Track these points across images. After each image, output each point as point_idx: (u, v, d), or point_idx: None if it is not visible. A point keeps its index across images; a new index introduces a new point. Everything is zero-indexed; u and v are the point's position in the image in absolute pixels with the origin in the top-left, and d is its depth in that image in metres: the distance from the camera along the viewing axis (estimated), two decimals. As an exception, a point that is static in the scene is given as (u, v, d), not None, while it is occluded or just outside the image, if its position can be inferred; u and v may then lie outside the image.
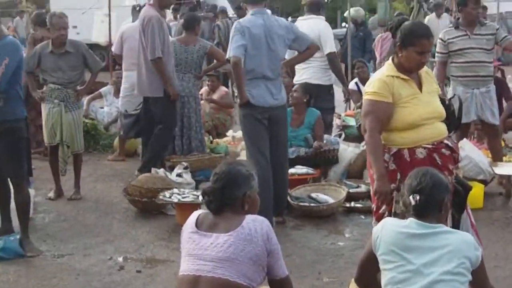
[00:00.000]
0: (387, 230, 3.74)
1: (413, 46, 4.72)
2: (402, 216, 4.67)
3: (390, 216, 4.77)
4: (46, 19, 8.16)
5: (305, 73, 8.64)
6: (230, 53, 6.59)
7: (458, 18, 7.84)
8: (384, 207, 4.81)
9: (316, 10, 8.97)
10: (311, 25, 8.60)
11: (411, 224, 3.73)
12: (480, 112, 7.77)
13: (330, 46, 8.56)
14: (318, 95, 8.48)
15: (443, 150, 4.79)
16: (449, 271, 3.53)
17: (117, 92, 10.77)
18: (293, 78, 8.98)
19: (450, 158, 4.82)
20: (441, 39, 7.82)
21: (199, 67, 8.87)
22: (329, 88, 8.86)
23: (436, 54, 7.95)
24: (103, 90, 11.69)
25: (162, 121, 8.21)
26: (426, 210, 3.73)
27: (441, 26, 15.82)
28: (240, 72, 6.55)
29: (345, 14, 17.07)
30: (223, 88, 11.27)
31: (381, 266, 3.72)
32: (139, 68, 8.20)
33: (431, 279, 3.53)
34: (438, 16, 15.85)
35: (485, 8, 14.00)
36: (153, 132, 8.19)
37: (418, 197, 3.73)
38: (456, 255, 3.57)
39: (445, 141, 4.84)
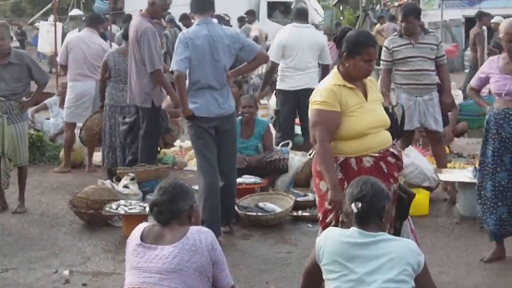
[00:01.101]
0: (330, 240, 3.76)
1: (359, 55, 4.75)
2: (349, 225, 4.72)
3: (337, 225, 4.81)
4: None
5: (302, 79, 8.80)
6: (173, 66, 6.60)
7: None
8: (331, 216, 4.82)
9: (306, 18, 9.41)
10: (314, 35, 9.25)
11: (353, 233, 3.75)
12: (423, 120, 7.88)
13: (329, 58, 9.30)
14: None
15: (389, 158, 4.82)
16: (392, 279, 3.56)
17: (62, 103, 10.76)
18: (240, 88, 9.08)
19: (395, 166, 4.86)
20: (386, 47, 7.92)
21: None
22: None
23: (381, 62, 8.04)
24: (48, 101, 11.58)
25: (146, 132, 8.13)
26: (368, 218, 3.76)
27: None
28: (182, 85, 6.54)
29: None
30: (169, 98, 11.22)
31: (325, 276, 3.73)
32: (130, 78, 8.09)
33: (374, 287, 3.56)
34: None
35: None
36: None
37: (360, 205, 3.75)
38: (399, 262, 3.60)
39: (391, 149, 4.87)
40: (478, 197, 6.17)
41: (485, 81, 6.27)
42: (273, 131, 9.37)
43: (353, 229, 3.77)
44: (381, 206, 3.81)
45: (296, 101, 9.04)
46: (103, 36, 11.59)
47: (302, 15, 9.38)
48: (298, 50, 9.01)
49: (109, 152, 8.84)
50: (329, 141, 4.75)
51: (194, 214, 3.83)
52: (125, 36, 8.94)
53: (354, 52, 4.77)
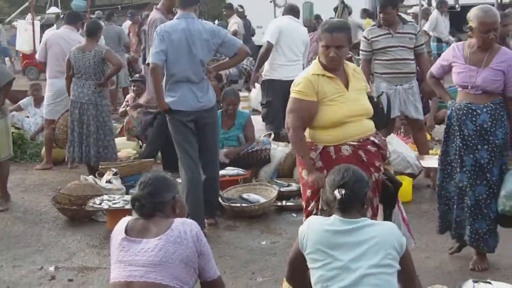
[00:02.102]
0: (313, 229, 3.77)
1: (321, 41, 4.83)
2: (329, 212, 4.73)
3: (317, 213, 4.82)
4: None
5: (293, 70, 8.77)
6: (149, 59, 6.61)
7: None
8: (312, 203, 4.86)
9: (297, 15, 9.58)
10: (304, 31, 9.43)
11: (334, 221, 3.76)
12: (404, 108, 7.92)
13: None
14: None
15: (369, 147, 4.83)
16: (376, 264, 3.57)
17: (37, 102, 11.01)
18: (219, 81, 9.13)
19: (376, 155, 4.86)
20: (365, 38, 7.95)
21: (99, 73, 8.67)
22: None
23: (361, 52, 8.08)
24: (22, 102, 11.57)
25: (157, 123, 8.50)
26: (350, 205, 3.77)
27: (445, 22, 16.25)
28: (157, 78, 6.54)
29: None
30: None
31: (309, 265, 3.74)
32: (147, 70, 8.14)
33: (359, 274, 3.57)
34: (442, 13, 16.18)
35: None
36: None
37: (343, 191, 3.76)
38: (383, 246, 3.61)
39: (371, 138, 4.87)
40: (438, 198, 5.78)
41: (448, 69, 5.69)
42: (260, 123, 9.43)
43: (335, 217, 3.77)
44: (363, 193, 3.83)
45: (287, 92, 9.02)
46: None
47: (294, 11, 9.53)
48: (292, 41, 9.07)
49: (70, 147, 8.88)
50: (302, 128, 4.83)
51: (178, 204, 3.82)
52: (87, 33, 8.87)
53: (319, 38, 4.88)
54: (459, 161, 5.50)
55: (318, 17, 17.08)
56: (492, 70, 5.35)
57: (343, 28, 4.88)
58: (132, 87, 11.55)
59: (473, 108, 5.40)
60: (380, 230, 3.70)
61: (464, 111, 5.44)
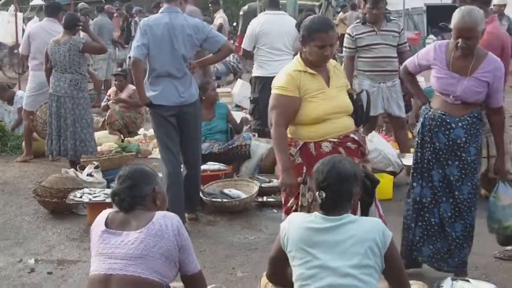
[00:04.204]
0: (294, 227, 3.71)
1: (313, 41, 4.77)
2: (309, 209, 4.74)
3: (297, 209, 4.83)
4: None
5: (278, 65, 8.66)
6: (130, 53, 6.60)
7: (365, 14, 7.96)
8: (292, 200, 4.87)
9: (277, 6, 9.51)
10: (288, 21, 9.17)
11: (316, 219, 3.68)
12: (387, 106, 7.97)
13: None
14: None
15: (349, 143, 4.85)
16: (356, 265, 3.51)
17: (8, 102, 11.35)
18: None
19: (356, 151, 4.88)
20: (349, 35, 7.96)
21: (76, 65, 8.59)
22: None
23: (344, 49, 8.09)
24: None
25: None
26: (333, 206, 3.68)
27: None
28: (138, 72, 6.54)
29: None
30: (131, 87, 11.12)
31: (291, 262, 3.70)
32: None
33: (339, 273, 3.52)
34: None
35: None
36: None
37: (324, 195, 3.68)
38: (363, 244, 3.54)
39: (351, 135, 4.89)
40: (406, 206, 5.42)
41: (425, 69, 5.23)
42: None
43: (316, 214, 3.71)
44: (349, 191, 3.72)
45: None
46: None
47: (273, 3, 9.45)
48: (272, 37, 9.01)
49: (48, 140, 8.86)
50: (285, 126, 4.81)
51: (158, 196, 3.80)
52: (64, 25, 8.78)
53: (309, 38, 4.80)
54: (425, 175, 5.15)
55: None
56: (476, 80, 4.89)
57: (331, 24, 4.93)
58: (114, 81, 11.51)
59: (448, 120, 4.99)
60: (360, 227, 3.62)
61: (438, 123, 5.03)
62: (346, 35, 8.09)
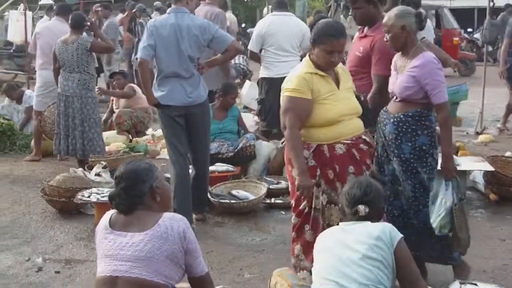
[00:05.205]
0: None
1: (323, 44, 4.76)
2: (322, 211, 4.74)
3: (310, 211, 4.83)
4: None
5: (285, 66, 8.59)
6: (138, 54, 6.63)
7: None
8: (304, 203, 4.86)
9: (285, 7, 9.50)
10: (295, 22, 9.28)
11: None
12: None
13: None
14: None
15: (361, 145, 4.86)
16: (364, 255, 3.73)
17: (17, 101, 11.44)
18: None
19: (367, 153, 4.89)
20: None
21: (84, 65, 8.62)
22: None
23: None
24: (2, 106, 11.68)
25: None
26: (368, 219, 3.92)
27: None
28: (145, 73, 6.55)
29: (264, 12, 17.16)
30: (131, 85, 11.21)
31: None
32: None
33: (345, 257, 3.79)
34: None
35: None
36: None
37: (367, 209, 3.91)
38: (366, 237, 3.79)
39: (363, 136, 4.91)
40: None
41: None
42: (251, 120, 9.46)
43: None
44: (382, 207, 4.04)
45: (278, 90, 9.01)
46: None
47: (281, 4, 9.43)
48: (279, 38, 8.98)
49: (56, 140, 8.88)
50: (299, 128, 4.79)
51: (158, 191, 3.72)
52: (71, 25, 8.79)
53: (319, 42, 4.79)
54: (380, 169, 5.23)
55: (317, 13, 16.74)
56: (406, 76, 5.00)
57: (344, 32, 4.85)
58: (113, 82, 11.54)
59: (385, 116, 5.16)
60: (368, 225, 3.85)
61: (380, 118, 5.23)
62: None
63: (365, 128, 5.06)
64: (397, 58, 5.18)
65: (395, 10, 5.11)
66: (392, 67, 5.24)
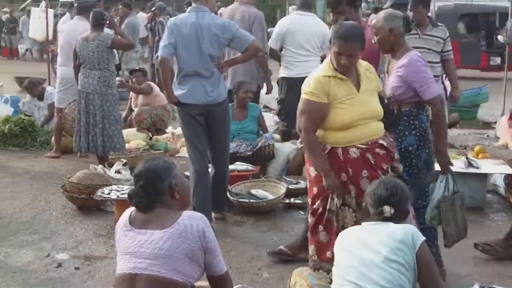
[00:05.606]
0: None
1: (333, 45, 4.77)
2: (337, 213, 4.73)
3: (324, 212, 4.81)
4: None
5: (306, 66, 8.58)
6: (158, 52, 6.66)
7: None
8: (318, 202, 4.85)
9: (309, 7, 9.54)
10: (317, 23, 9.25)
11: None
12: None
13: None
14: None
15: (377, 149, 4.79)
16: (386, 257, 3.71)
17: (39, 97, 11.47)
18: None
19: (384, 157, 4.82)
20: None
21: (104, 62, 8.65)
22: None
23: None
24: (23, 102, 11.76)
25: None
26: (393, 220, 3.90)
27: None
28: (166, 71, 6.57)
29: (290, 10, 17.10)
30: (148, 82, 11.26)
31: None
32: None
33: (368, 259, 3.75)
34: None
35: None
36: None
37: (393, 211, 3.89)
38: (389, 239, 3.76)
39: (380, 141, 4.83)
40: None
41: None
42: (271, 119, 9.46)
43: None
44: (407, 208, 4.04)
45: (299, 90, 8.97)
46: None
47: (305, 4, 9.38)
48: (299, 37, 8.93)
49: (76, 137, 8.93)
50: (314, 131, 4.79)
51: (177, 189, 3.72)
52: (92, 22, 8.82)
53: (332, 43, 4.81)
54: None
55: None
56: (393, 76, 5.16)
57: (357, 35, 4.75)
58: (132, 79, 11.57)
59: None
60: (391, 226, 3.83)
61: None
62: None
63: (387, 130, 5.00)
64: (388, 61, 5.36)
65: (383, 13, 5.31)
66: (385, 70, 5.42)
